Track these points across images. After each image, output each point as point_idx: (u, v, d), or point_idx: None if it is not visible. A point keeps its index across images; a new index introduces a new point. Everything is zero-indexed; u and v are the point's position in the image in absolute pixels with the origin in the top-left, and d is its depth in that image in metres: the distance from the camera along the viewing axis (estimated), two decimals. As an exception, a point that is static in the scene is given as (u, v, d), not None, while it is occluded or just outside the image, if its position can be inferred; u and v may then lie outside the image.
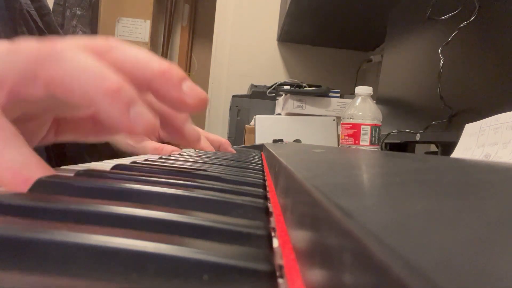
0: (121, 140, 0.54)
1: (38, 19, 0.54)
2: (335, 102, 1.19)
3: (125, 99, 0.19)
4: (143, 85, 0.22)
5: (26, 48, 0.20)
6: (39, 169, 0.20)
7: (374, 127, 0.84)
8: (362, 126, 0.84)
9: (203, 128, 1.92)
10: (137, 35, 2.45)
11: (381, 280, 0.06)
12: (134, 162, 0.33)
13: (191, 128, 0.28)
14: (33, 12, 0.53)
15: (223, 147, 0.67)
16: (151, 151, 0.54)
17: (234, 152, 0.67)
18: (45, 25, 0.56)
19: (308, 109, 1.18)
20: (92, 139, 0.30)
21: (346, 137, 0.86)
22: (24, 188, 0.19)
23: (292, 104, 1.17)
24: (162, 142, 0.56)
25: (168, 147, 0.55)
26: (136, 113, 0.19)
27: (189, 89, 0.22)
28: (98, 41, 0.22)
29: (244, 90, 1.62)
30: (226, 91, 1.80)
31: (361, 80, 1.75)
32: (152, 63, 0.22)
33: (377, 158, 0.32)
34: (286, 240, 0.14)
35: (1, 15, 0.47)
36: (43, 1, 0.58)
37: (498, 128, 0.42)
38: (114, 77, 0.19)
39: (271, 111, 1.42)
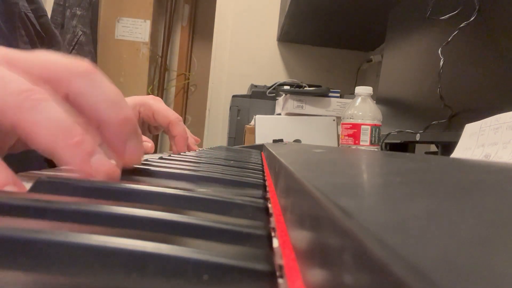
0: None
1: (35, 22, 0.54)
2: (335, 102, 1.19)
3: (86, 150, 0.21)
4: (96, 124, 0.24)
5: (10, 85, 0.21)
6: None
7: (374, 127, 0.84)
8: (362, 126, 0.84)
9: (202, 129, 1.92)
10: (137, 35, 2.45)
11: (381, 280, 0.06)
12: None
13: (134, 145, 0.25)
14: (31, 15, 0.53)
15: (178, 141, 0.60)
16: None
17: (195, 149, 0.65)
18: (41, 27, 0.56)
19: (308, 109, 1.18)
20: None
21: (346, 137, 0.86)
22: None
23: (292, 104, 1.17)
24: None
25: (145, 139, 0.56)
26: (96, 162, 0.21)
27: (133, 146, 0.25)
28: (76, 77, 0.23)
29: (244, 90, 1.62)
30: (226, 91, 1.80)
31: (361, 80, 1.75)
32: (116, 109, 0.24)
33: (377, 158, 0.32)
34: (286, 240, 0.14)
35: (1, 19, 0.47)
36: (39, 3, 0.58)
37: (498, 128, 0.42)
38: (77, 130, 0.21)
39: (271, 111, 1.42)
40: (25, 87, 0.21)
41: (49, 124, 0.21)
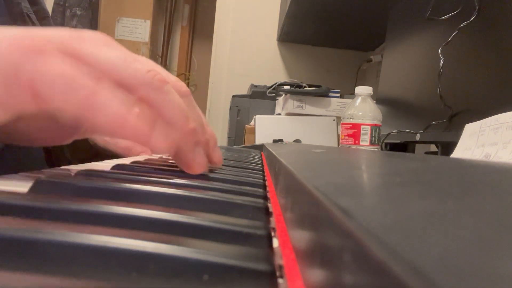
0: (97, 136, 0.54)
1: (37, 23, 0.54)
2: (335, 102, 1.19)
3: (196, 138, 0.25)
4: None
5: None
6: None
7: (374, 127, 0.84)
8: (362, 126, 0.84)
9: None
10: (137, 35, 2.45)
11: (381, 280, 0.06)
12: (135, 162, 0.33)
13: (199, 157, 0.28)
14: (33, 16, 0.53)
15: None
16: (121, 150, 0.53)
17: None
18: None
19: (308, 109, 1.18)
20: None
21: (346, 137, 0.86)
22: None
23: (292, 104, 1.17)
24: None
25: (138, 148, 0.55)
26: (198, 152, 0.25)
27: (200, 155, 0.27)
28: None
29: (244, 90, 1.62)
30: (226, 91, 1.79)
31: (361, 80, 1.75)
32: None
33: (377, 158, 0.32)
34: (286, 240, 0.14)
35: (3, 19, 0.47)
36: (41, 4, 0.57)
37: (498, 128, 0.42)
38: (191, 119, 0.25)
39: (271, 111, 1.42)
40: (149, 66, 0.24)
41: (174, 107, 0.24)
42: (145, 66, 0.24)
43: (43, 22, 0.56)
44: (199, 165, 0.26)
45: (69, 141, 0.32)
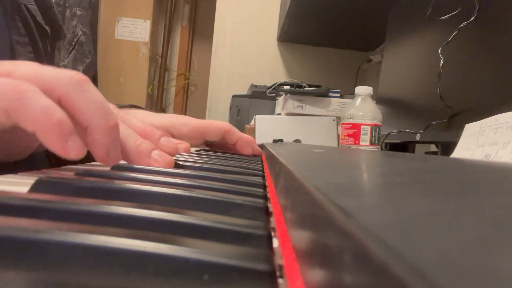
0: None
1: (38, 14, 0.53)
2: (335, 102, 1.19)
3: (65, 130, 0.23)
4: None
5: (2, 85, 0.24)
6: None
7: (374, 127, 0.84)
8: (362, 126, 0.84)
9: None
10: (137, 35, 2.45)
11: (381, 280, 0.06)
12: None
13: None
14: (32, 7, 0.52)
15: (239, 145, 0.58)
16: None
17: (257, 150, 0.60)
18: (48, 19, 0.55)
19: (308, 109, 1.18)
20: None
21: (346, 137, 0.86)
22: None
23: (292, 104, 1.17)
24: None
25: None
26: (73, 141, 0.24)
27: (115, 150, 0.28)
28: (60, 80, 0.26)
29: (244, 90, 1.62)
30: (226, 91, 1.80)
31: (361, 80, 1.75)
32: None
33: (377, 158, 0.32)
34: (286, 240, 0.14)
35: None
36: None
37: (498, 128, 0.42)
38: (57, 111, 0.24)
39: (271, 111, 1.42)
40: (14, 83, 0.24)
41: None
42: (68, 72, 0.26)
43: (48, 13, 0.56)
44: (113, 158, 0.27)
45: (26, 154, 0.33)
